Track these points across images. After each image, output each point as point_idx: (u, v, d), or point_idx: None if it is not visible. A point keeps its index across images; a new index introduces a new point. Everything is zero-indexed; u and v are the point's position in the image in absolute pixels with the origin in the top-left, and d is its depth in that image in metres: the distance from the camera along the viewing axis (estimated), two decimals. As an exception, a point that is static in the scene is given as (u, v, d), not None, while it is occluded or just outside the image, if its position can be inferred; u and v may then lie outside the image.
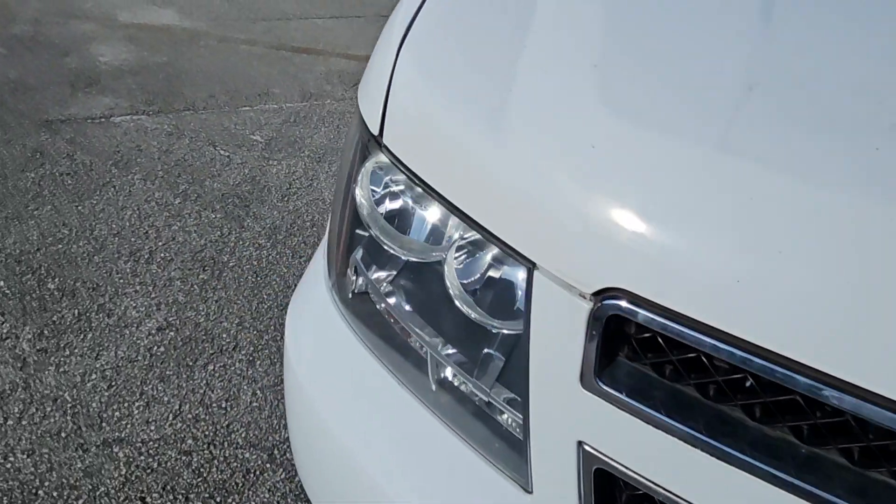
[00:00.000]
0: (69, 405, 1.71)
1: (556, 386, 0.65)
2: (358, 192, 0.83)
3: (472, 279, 0.74)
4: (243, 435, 1.69)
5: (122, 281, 2.11)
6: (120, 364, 1.83)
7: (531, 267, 0.64)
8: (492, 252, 0.72)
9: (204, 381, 1.81)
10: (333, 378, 0.91)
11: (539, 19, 0.75)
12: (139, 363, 1.84)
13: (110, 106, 3.05)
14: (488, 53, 0.73)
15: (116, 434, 1.66)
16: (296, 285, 1.10)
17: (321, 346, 0.95)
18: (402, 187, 0.78)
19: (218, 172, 2.67)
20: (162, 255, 2.23)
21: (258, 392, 1.80)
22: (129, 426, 1.68)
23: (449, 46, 0.75)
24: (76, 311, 1.98)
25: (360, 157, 0.83)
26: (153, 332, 1.94)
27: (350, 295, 0.91)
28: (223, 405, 1.76)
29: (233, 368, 1.86)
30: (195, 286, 2.11)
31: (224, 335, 1.96)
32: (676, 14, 0.70)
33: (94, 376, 1.79)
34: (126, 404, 1.73)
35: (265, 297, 2.10)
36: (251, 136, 2.94)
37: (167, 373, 1.82)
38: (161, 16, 4.07)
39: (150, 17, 4.02)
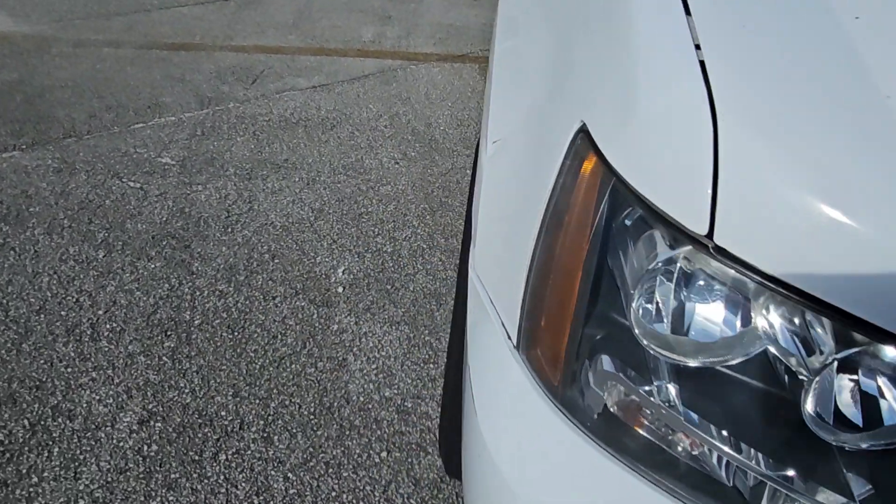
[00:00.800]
0: (64, 549, 1.36)
1: None
2: (637, 296, 0.63)
3: (848, 400, 0.58)
4: (294, 533, 1.43)
5: (69, 370, 1.71)
6: (110, 479, 1.48)
7: None
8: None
9: (222, 476, 1.51)
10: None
11: (870, 54, 0.58)
12: (133, 472, 1.50)
13: (-32, 145, 2.49)
14: (837, 108, 0.55)
15: (141, 573, 1.34)
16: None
17: (552, 468, 0.75)
18: (725, 291, 0.60)
19: (137, 210, 2.26)
20: (108, 326, 1.84)
21: (290, 475, 1.53)
22: (151, 558, 1.36)
23: (789, 103, 0.56)
24: (26, 423, 1.58)
25: (635, 251, 0.63)
26: (135, 427, 1.59)
27: (596, 416, 0.71)
28: (255, 502, 1.48)
29: (249, 452, 1.57)
30: (164, 358, 1.76)
31: (222, 412, 1.65)
32: None
33: (82, 503, 1.44)
34: (137, 530, 1.40)
35: (252, 354, 1.80)
36: (159, 160, 2.52)
37: (172, 476, 1.50)
38: (-12, 21, 3.40)
39: (-26, 25, 3.34)
